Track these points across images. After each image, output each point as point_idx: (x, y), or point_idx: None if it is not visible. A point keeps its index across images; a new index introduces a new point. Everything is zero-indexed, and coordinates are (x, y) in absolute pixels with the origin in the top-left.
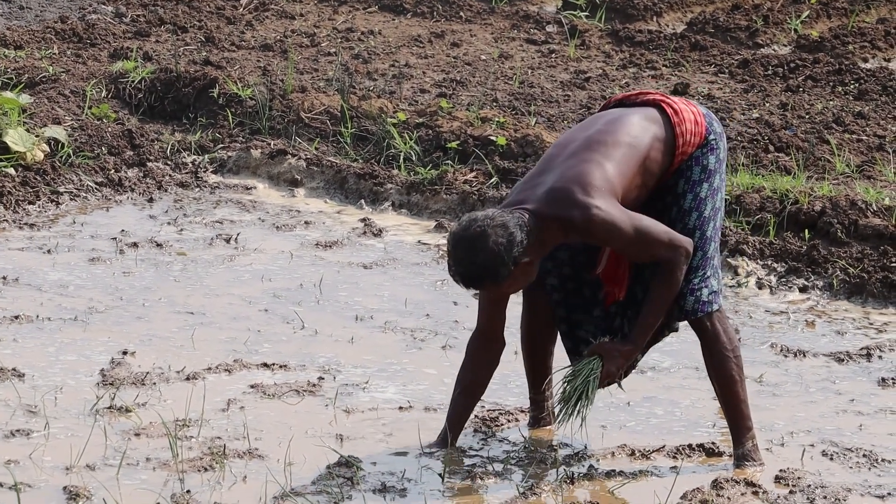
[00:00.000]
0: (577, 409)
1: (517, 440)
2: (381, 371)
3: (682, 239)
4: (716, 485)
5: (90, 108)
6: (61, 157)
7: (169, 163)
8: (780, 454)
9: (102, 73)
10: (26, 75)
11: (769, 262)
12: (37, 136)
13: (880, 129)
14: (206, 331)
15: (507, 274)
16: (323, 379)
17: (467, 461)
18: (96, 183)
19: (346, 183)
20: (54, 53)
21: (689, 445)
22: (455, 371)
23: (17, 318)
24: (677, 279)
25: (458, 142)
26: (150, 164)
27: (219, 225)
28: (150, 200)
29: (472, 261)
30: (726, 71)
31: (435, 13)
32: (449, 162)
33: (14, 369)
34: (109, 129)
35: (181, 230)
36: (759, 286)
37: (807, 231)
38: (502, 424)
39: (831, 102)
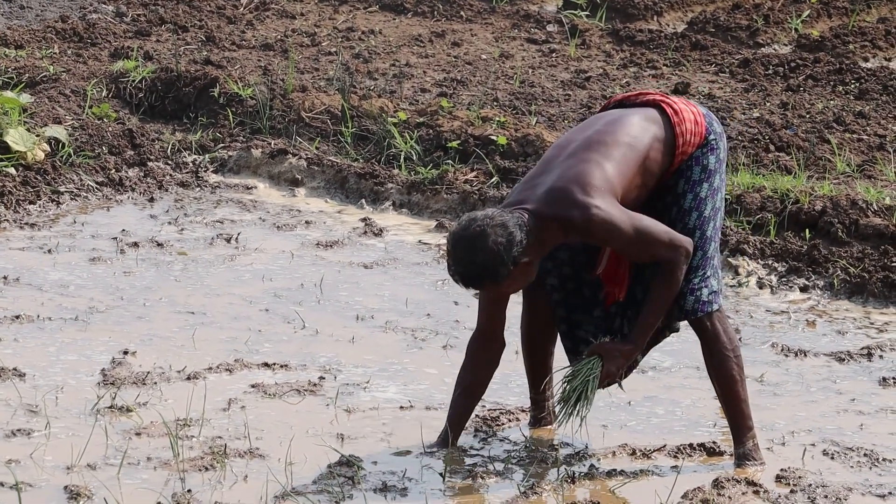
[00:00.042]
0: (577, 408)
1: (518, 440)
2: (382, 371)
3: (683, 239)
4: (717, 484)
5: (91, 107)
6: (62, 156)
7: (169, 162)
8: (781, 453)
9: (103, 73)
10: (27, 75)
11: (770, 262)
12: (37, 135)
13: (881, 128)
14: (207, 330)
15: (507, 274)
16: (324, 378)
17: (468, 460)
18: (97, 182)
19: (347, 182)
20: (55, 53)
21: (690, 445)
22: (456, 371)
23: (17, 317)
24: (677, 279)
25: (458, 141)
26: (150, 163)
27: (219, 224)
28: (151, 200)
29: (472, 260)
30: (727, 70)
31: (435, 12)
32: (449, 161)
33: (15, 369)
34: (110, 129)
35: (182, 230)
36: (760, 286)
37: (807, 231)
38: (503, 424)
39: (832, 102)
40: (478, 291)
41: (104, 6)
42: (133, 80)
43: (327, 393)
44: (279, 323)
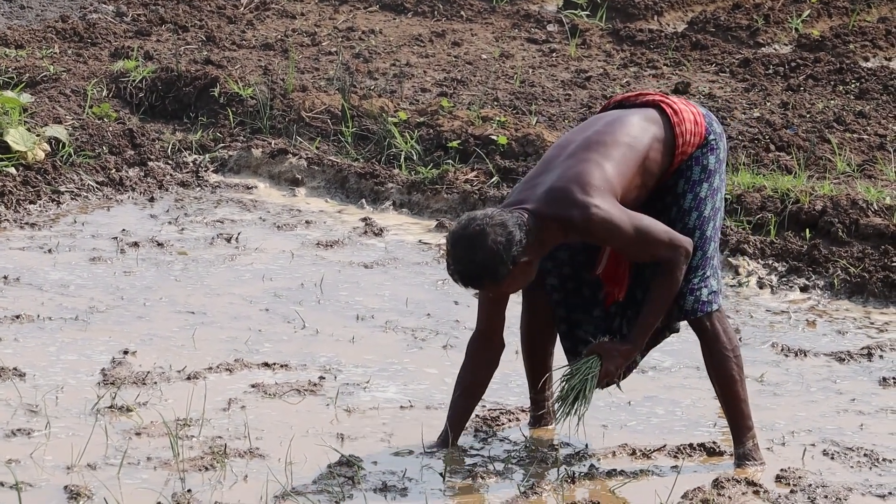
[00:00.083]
0: (575, 407)
1: (518, 439)
2: (382, 370)
3: (683, 239)
4: (717, 484)
5: (91, 107)
6: (62, 156)
7: (170, 162)
8: (781, 453)
9: (103, 73)
10: (27, 75)
11: (770, 262)
12: (38, 135)
13: (881, 128)
14: (207, 330)
15: (506, 273)
16: (324, 378)
17: (468, 460)
18: (97, 182)
19: (347, 182)
20: (55, 53)
21: (690, 445)
22: (456, 371)
23: (18, 317)
24: (677, 279)
25: (458, 141)
26: (150, 163)
27: (220, 224)
28: (151, 200)
29: (471, 259)
30: (727, 70)
31: (436, 12)
32: (450, 161)
33: (15, 369)
34: (110, 129)
35: (182, 229)
36: (760, 286)
37: (808, 230)
38: (503, 424)
39: (832, 101)
40: (477, 291)
41: (104, 6)
42: (133, 80)
43: (327, 393)
44: (279, 323)
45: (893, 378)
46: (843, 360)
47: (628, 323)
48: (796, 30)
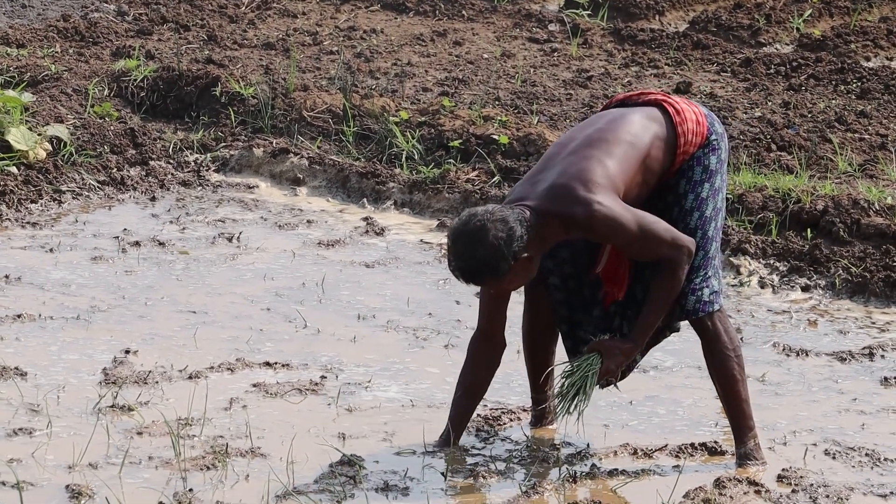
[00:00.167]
0: (575, 404)
1: (520, 439)
2: (384, 370)
3: (685, 238)
4: (718, 484)
5: (92, 106)
6: (63, 155)
7: (171, 161)
8: (782, 453)
9: (105, 72)
10: (29, 74)
11: (771, 262)
12: (39, 134)
13: (882, 127)
14: (209, 330)
15: (508, 269)
16: (325, 378)
17: (470, 460)
18: (99, 182)
19: (349, 182)
20: (56, 52)
21: (692, 444)
22: (457, 370)
23: (19, 316)
24: (679, 279)
25: (460, 140)
26: (152, 162)
27: (221, 224)
28: (153, 199)
29: (472, 255)
30: (728, 70)
31: (437, 12)
32: (451, 161)
33: (17, 368)
34: (112, 128)
35: (183, 229)
36: (762, 285)
37: (809, 230)
38: (505, 423)
39: (833, 101)
40: (478, 289)
41: (106, 5)
42: (135, 79)
43: (329, 392)
44: (281, 322)
45: (895, 378)
46: (845, 359)
47: (628, 322)
48: (798, 29)
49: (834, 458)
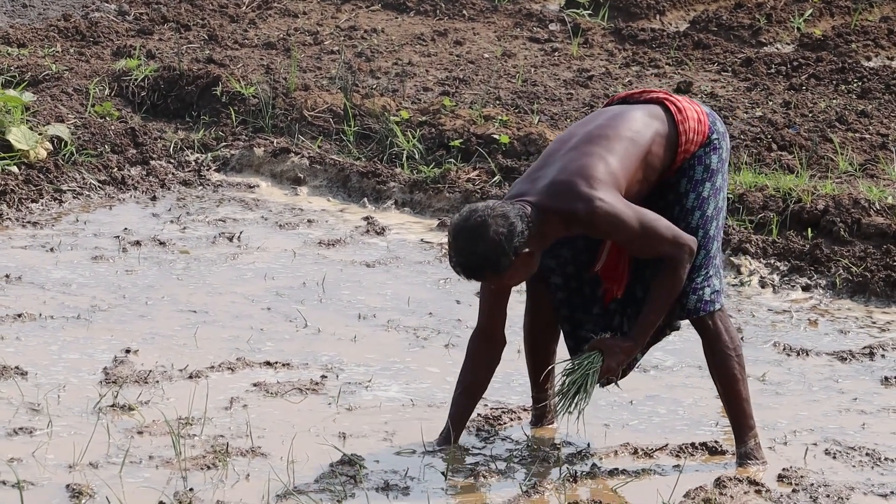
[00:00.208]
0: (575, 402)
1: (520, 439)
2: (384, 369)
3: (687, 237)
4: (719, 483)
5: (93, 106)
6: (64, 155)
7: (172, 161)
8: (783, 453)
9: (105, 71)
10: (29, 73)
11: (772, 261)
12: (40, 134)
13: (883, 127)
14: (209, 329)
15: (508, 264)
16: (326, 377)
17: (470, 459)
18: (99, 181)
19: (349, 181)
20: (57, 51)
21: (692, 444)
22: (458, 369)
23: (20, 316)
24: (680, 278)
25: (461, 140)
26: (153, 162)
27: (222, 223)
28: (154, 199)
29: (473, 250)
30: (729, 69)
31: (438, 11)
32: (452, 160)
33: (17, 367)
34: (112, 128)
35: (184, 228)
36: (762, 285)
37: (810, 230)
38: (505, 423)
39: (834, 101)
40: (478, 288)
41: (107, 5)
42: (135, 79)
43: (329, 392)
44: (281, 322)
45: (895, 377)
46: (845, 359)
47: (629, 321)
48: (798, 29)
49: (834, 457)
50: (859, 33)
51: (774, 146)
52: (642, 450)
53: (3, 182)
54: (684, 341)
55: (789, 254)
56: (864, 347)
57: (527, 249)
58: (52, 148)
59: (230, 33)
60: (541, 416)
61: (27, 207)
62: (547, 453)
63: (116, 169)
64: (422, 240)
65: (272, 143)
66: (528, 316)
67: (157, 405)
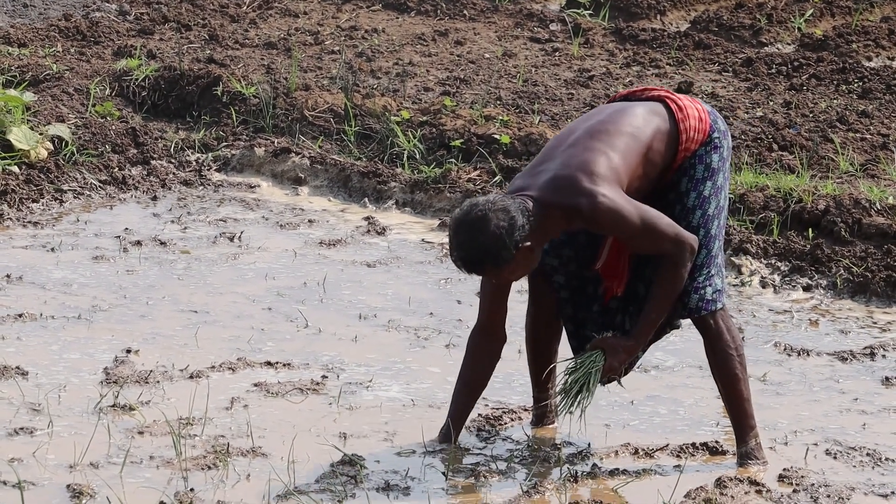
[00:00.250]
0: (578, 400)
1: (521, 439)
2: (385, 369)
3: (688, 235)
4: (719, 483)
5: (94, 106)
6: (65, 155)
7: (173, 161)
8: (783, 453)
9: (106, 71)
10: (30, 73)
11: (773, 261)
12: (41, 133)
13: (884, 127)
14: (210, 329)
15: (509, 258)
16: (326, 377)
17: (471, 460)
18: (100, 181)
19: (350, 181)
20: (58, 51)
21: (693, 444)
22: (458, 369)
23: (20, 316)
24: (681, 276)
25: (461, 140)
26: (153, 162)
27: (222, 223)
28: (154, 199)
29: (474, 244)
30: (730, 69)
31: (439, 11)
32: (452, 160)
33: (18, 367)
34: (113, 127)
35: (185, 228)
36: (763, 285)
37: (810, 230)
38: (506, 423)
39: (835, 101)
40: (479, 288)
41: (107, 4)
42: (136, 79)
43: (330, 392)
44: (282, 322)
45: None
46: (846, 359)
47: (631, 319)
48: (799, 29)
49: (835, 457)
50: (860, 33)
51: (775, 146)
52: (643, 450)
53: (3, 182)
54: (685, 341)
55: (790, 254)
56: (865, 347)
57: (528, 243)
58: (52, 148)
59: (231, 33)
60: (541, 416)
61: (28, 207)
62: (548, 453)
63: (117, 169)
64: (423, 240)
65: (273, 142)
66: (530, 314)
67: (158, 405)
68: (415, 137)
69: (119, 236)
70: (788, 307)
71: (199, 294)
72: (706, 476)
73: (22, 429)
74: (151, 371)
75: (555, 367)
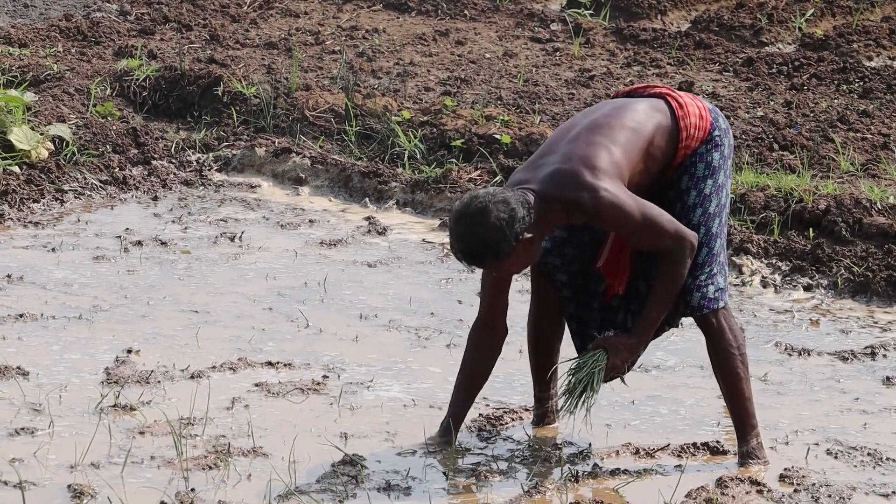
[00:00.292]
0: (582, 400)
1: (522, 439)
2: (386, 369)
3: (689, 232)
4: (720, 483)
5: (95, 106)
6: (66, 155)
7: (173, 161)
8: (784, 453)
9: (107, 71)
10: (31, 73)
11: (774, 261)
12: (41, 134)
13: (885, 127)
14: (211, 329)
15: (509, 250)
16: (327, 377)
17: (472, 460)
18: (101, 181)
19: (351, 181)
20: (59, 51)
21: (694, 444)
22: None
23: (21, 316)
24: (681, 272)
25: (462, 140)
26: (154, 162)
27: (223, 223)
28: (155, 199)
29: (473, 236)
30: (731, 69)
31: (439, 11)
32: (453, 160)
33: (19, 367)
34: (114, 128)
35: (186, 228)
36: (764, 285)
37: (811, 229)
38: (507, 423)
39: (836, 101)
40: (480, 281)
41: (108, 5)
42: (137, 79)
43: (331, 392)
44: (283, 322)
45: None
46: (847, 359)
47: (632, 317)
48: (800, 29)
49: (836, 457)
50: (861, 33)
51: (776, 146)
52: (644, 450)
53: (4, 182)
54: (686, 341)
55: (791, 254)
56: (866, 347)
57: (528, 235)
58: (53, 148)
59: (232, 33)
60: (542, 415)
61: (29, 207)
62: (549, 453)
63: (118, 169)
64: (423, 240)
65: (274, 143)
66: (532, 312)
67: (159, 405)
68: (415, 137)
69: (120, 236)
70: (789, 307)
71: (199, 294)
72: (707, 476)
73: (23, 429)
74: (152, 371)
75: (557, 367)
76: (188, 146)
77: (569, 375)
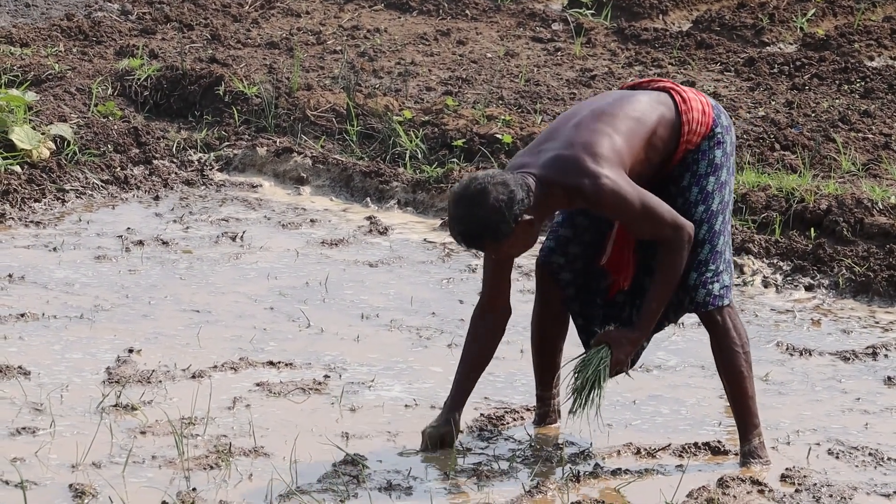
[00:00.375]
0: (591, 397)
1: (523, 438)
2: (387, 369)
3: (686, 222)
4: (722, 483)
5: (96, 105)
6: (67, 154)
7: (175, 161)
8: (785, 453)
9: (108, 71)
10: (32, 73)
11: (775, 261)
12: (43, 133)
13: (886, 127)
14: (212, 329)
15: (508, 232)
16: (329, 377)
17: (473, 459)
18: (102, 181)
19: (352, 181)
20: (60, 51)
21: (695, 444)
22: None
23: (22, 315)
24: (679, 263)
25: (463, 140)
26: (155, 161)
27: (224, 223)
28: (156, 198)
29: (472, 218)
30: (732, 69)
31: (441, 11)
32: (455, 160)
33: (20, 367)
34: (115, 127)
35: (187, 228)
36: (765, 285)
37: (812, 229)
38: (508, 423)
39: (837, 101)
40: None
41: (109, 4)
42: (138, 79)
43: (332, 391)
44: (284, 321)
45: None
46: (848, 359)
47: (638, 311)
48: (801, 29)
49: (837, 457)
50: (862, 33)
51: (777, 146)
52: (645, 450)
53: (6, 182)
54: (687, 341)
55: (792, 253)
56: (867, 347)
57: (527, 217)
58: (54, 147)
59: (233, 33)
60: (544, 415)
61: (30, 207)
62: (550, 453)
63: (119, 168)
64: (425, 239)
65: (275, 142)
66: (536, 311)
67: (160, 405)
68: (417, 137)
69: (121, 236)
70: (791, 307)
71: (201, 294)
72: (708, 476)
73: (24, 428)
74: (154, 371)
75: (560, 371)
76: (189, 146)
77: (574, 374)
